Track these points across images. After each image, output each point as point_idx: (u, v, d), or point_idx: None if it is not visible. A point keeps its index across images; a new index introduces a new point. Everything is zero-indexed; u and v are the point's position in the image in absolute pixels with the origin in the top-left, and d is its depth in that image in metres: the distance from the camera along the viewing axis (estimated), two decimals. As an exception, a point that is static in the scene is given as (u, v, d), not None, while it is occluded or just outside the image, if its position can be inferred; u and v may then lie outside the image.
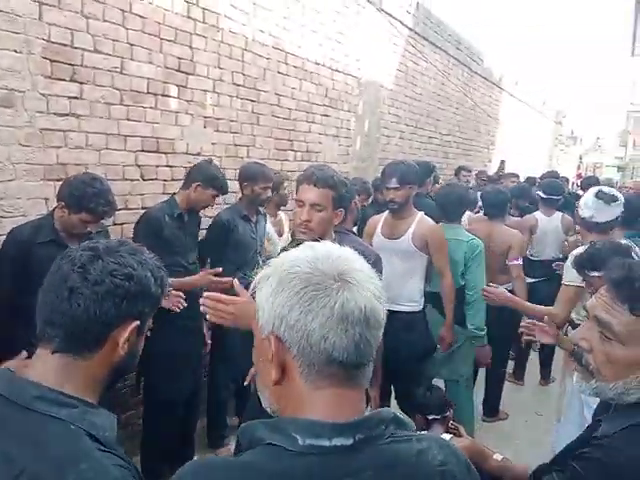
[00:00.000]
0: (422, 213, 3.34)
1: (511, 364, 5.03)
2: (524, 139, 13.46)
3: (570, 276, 2.77)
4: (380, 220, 3.42)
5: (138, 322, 1.04)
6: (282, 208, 4.08)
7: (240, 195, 3.60)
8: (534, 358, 5.28)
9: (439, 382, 3.75)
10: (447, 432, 2.65)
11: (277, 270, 0.85)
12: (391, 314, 2.94)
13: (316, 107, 5.02)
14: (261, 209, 3.63)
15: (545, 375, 5.17)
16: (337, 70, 5.28)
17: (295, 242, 2.35)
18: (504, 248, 4.04)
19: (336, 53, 5.22)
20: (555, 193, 5.06)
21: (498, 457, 2.56)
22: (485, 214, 4.31)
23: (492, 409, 4.35)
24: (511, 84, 11.69)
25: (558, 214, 5.03)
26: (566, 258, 5.13)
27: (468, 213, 4.95)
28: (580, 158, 35.50)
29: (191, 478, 0.81)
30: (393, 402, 3.59)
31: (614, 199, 2.89)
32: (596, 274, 2.29)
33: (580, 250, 2.66)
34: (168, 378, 2.95)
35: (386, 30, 6.17)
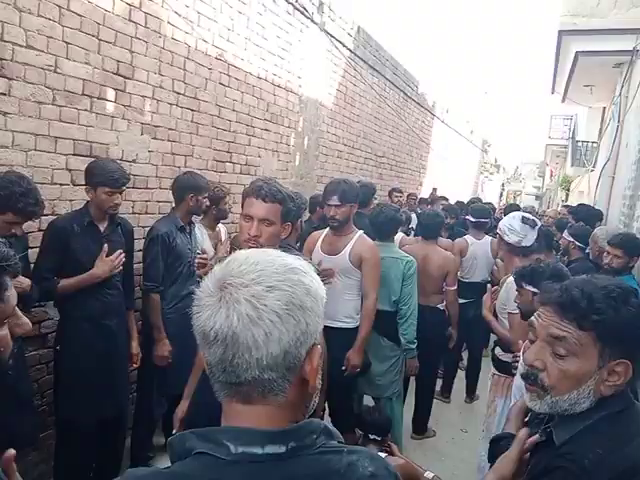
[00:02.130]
0: (362, 232, 3.38)
1: (439, 382, 5.15)
2: (453, 165, 14.05)
3: (511, 305, 2.88)
4: (320, 236, 3.43)
5: None
6: (222, 221, 4.01)
7: (174, 205, 3.49)
8: (460, 376, 5.44)
9: (368, 399, 3.80)
10: (381, 450, 2.68)
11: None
12: (329, 330, 2.91)
13: (257, 121, 5.00)
14: (194, 219, 3.55)
15: (470, 393, 5.33)
16: (279, 86, 5.29)
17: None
18: (441, 272, 4.17)
19: (278, 69, 5.23)
20: (483, 217, 5.29)
21: (429, 475, 2.61)
22: (421, 235, 4.43)
23: (421, 426, 4.43)
24: (442, 111, 12.20)
25: (487, 238, 5.25)
26: (492, 281, 5.40)
27: (400, 233, 5.07)
28: (502, 186, 37.54)
29: None
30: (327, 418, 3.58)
31: (536, 223, 3.06)
32: (530, 288, 2.39)
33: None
34: (80, 394, 2.78)
35: (327, 50, 6.28)
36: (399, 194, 6.71)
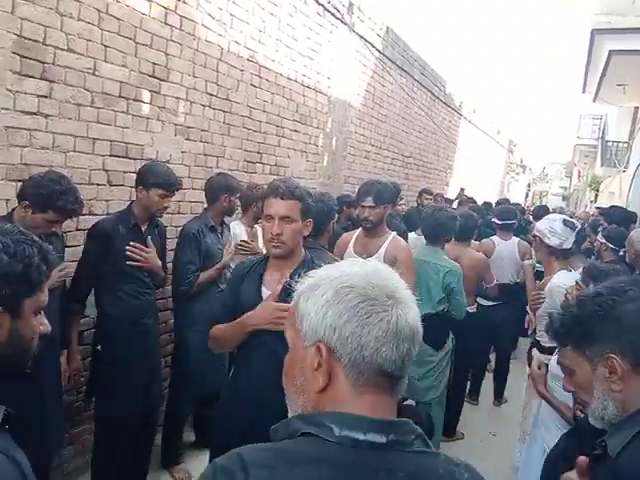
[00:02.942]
0: (395, 233, 3.36)
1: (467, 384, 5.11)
2: (479, 165, 13.90)
3: (555, 307, 2.82)
4: (352, 237, 3.43)
5: (0, 307, 1.00)
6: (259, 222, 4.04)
7: (206, 205, 3.53)
8: (488, 379, 5.39)
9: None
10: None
11: (330, 282, 0.87)
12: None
13: (286, 122, 5.02)
14: (226, 220, 3.58)
15: (498, 396, 5.28)
16: (308, 86, 5.30)
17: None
18: (472, 273, 4.15)
19: (308, 70, 5.25)
20: (509, 218, 5.24)
21: None
22: (454, 237, 4.40)
23: (450, 429, 4.40)
24: (469, 111, 12.08)
25: (514, 239, 5.19)
26: (521, 282, 5.33)
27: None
28: (528, 186, 37.01)
29: (236, 456, 0.82)
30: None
31: (576, 226, 3.01)
32: None
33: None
34: (120, 393, 2.82)
35: (356, 51, 6.27)
36: (429, 196, 6.67)
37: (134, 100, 3.33)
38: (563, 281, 2.80)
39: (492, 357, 5.60)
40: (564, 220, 3.01)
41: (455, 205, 8.54)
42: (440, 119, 10.00)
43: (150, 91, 3.44)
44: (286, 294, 2.10)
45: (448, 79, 10.08)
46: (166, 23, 3.48)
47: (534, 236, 3.13)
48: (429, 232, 3.60)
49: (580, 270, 3.11)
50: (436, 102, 9.58)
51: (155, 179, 2.85)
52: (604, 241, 4.29)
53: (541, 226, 3.05)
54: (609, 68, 7.64)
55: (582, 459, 1.25)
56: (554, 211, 8.56)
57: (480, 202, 8.84)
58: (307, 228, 2.15)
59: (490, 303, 4.82)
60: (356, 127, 6.59)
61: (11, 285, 1.00)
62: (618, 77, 8.12)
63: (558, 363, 1.34)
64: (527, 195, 36.12)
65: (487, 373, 5.43)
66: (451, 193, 10.50)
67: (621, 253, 4.18)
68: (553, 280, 2.88)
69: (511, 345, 5.47)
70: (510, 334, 5.28)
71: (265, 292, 2.10)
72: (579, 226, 3.08)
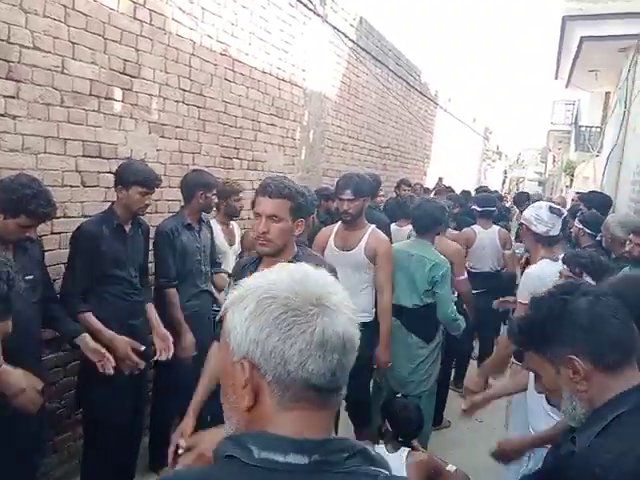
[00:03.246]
0: (374, 226, 3.36)
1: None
2: (456, 153, 13.98)
3: (521, 294, 2.84)
4: (332, 231, 3.41)
5: None
6: (235, 219, 3.99)
7: (183, 203, 3.48)
8: (473, 366, 5.43)
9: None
10: (403, 445, 2.67)
11: (253, 293, 0.82)
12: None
13: (262, 116, 4.96)
14: (204, 217, 3.53)
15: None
16: (283, 79, 5.25)
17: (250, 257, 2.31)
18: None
19: (282, 62, 5.19)
20: (489, 205, 5.26)
21: (452, 468, 2.61)
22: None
23: (438, 417, 4.42)
24: (445, 100, 12.12)
25: (495, 227, 5.22)
26: (502, 270, 5.37)
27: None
28: (505, 173, 37.40)
29: None
30: (344, 413, 3.58)
31: (562, 213, 3.02)
32: (590, 280, 2.35)
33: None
34: (108, 396, 2.76)
35: (330, 42, 6.22)
36: (407, 187, 6.67)
37: (105, 98, 3.25)
38: (544, 270, 2.80)
39: (476, 344, 5.65)
40: (550, 207, 3.01)
41: (433, 195, 8.59)
42: (416, 109, 10.01)
43: (121, 88, 3.36)
44: None
45: (423, 69, 10.10)
46: (135, 18, 3.40)
47: (520, 224, 3.13)
48: (418, 224, 3.57)
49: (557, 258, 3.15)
50: (412, 92, 9.59)
51: (134, 177, 2.80)
52: (581, 227, 4.34)
53: (527, 214, 3.04)
54: (581, 54, 7.72)
55: None
56: (533, 198, 8.65)
57: (458, 191, 8.90)
58: (299, 227, 2.13)
59: (473, 291, 4.84)
60: (333, 119, 6.55)
61: None
62: (590, 63, 8.22)
63: (525, 368, 1.34)
64: (504, 181, 36.51)
65: (471, 360, 5.48)
66: (429, 182, 10.55)
67: (598, 238, 4.23)
68: (535, 269, 2.88)
69: (494, 332, 5.52)
70: (493, 321, 5.32)
71: None
72: (565, 213, 3.09)
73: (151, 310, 3.09)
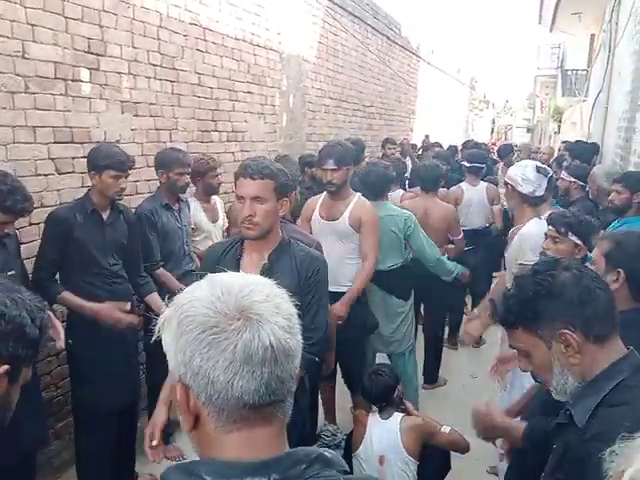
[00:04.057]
0: (359, 194, 3.32)
1: (445, 330, 5.21)
2: (442, 106, 13.78)
3: (525, 256, 2.81)
4: (317, 202, 3.37)
5: (7, 366, 0.97)
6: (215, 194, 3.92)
7: (159, 184, 3.42)
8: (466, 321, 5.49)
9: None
10: (397, 410, 2.71)
11: (176, 313, 0.78)
12: (333, 295, 2.90)
13: (239, 84, 4.84)
14: (183, 197, 3.47)
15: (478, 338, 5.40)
16: (258, 45, 5.09)
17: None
18: (442, 224, 4.15)
19: (256, 27, 5.02)
20: (479, 161, 5.22)
21: (446, 429, 2.66)
22: (421, 188, 4.37)
23: (432, 376, 4.50)
24: (428, 52, 11.86)
25: (482, 184, 5.19)
26: (491, 226, 5.37)
27: (399, 190, 5.01)
28: (493, 122, 37.04)
29: None
30: (340, 380, 3.63)
31: (548, 172, 2.99)
32: (576, 239, 2.35)
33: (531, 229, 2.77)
34: (95, 384, 2.77)
35: (304, 1, 6.01)
36: (393, 145, 6.58)
37: (72, 80, 3.14)
38: (535, 230, 2.79)
39: (468, 300, 5.70)
40: (536, 167, 2.97)
41: (420, 152, 8.51)
42: (398, 64, 9.80)
43: (88, 68, 3.24)
44: (264, 275, 2.07)
45: (403, 22, 9.82)
46: (96, -7, 3.25)
47: (506, 184, 3.10)
48: (372, 189, 3.56)
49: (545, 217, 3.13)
50: (393, 47, 9.36)
51: (104, 161, 2.72)
52: (572, 179, 4.31)
53: (513, 174, 3.00)
54: (563, -4, 7.54)
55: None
56: (520, 147, 8.57)
57: (446, 145, 8.81)
58: (283, 207, 2.09)
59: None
60: (312, 82, 6.40)
61: (26, 348, 0.99)
62: (573, 6, 8.03)
63: (510, 347, 1.34)
64: (492, 130, 36.20)
65: (465, 316, 5.53)
66: (416, 138, 10.43)
67: (587, 189, 4.22)
68: (524, 229, 2.87)
69: (486, 288, 5.55)
70: (483, 277, 5.35)
71: None
72: (551, 172, 3.06)
73: (154, 300, 3.03)
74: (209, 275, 0.83)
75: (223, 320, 0.75)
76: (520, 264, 2.91)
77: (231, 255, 2.11)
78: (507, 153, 7.58)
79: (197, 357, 0.74)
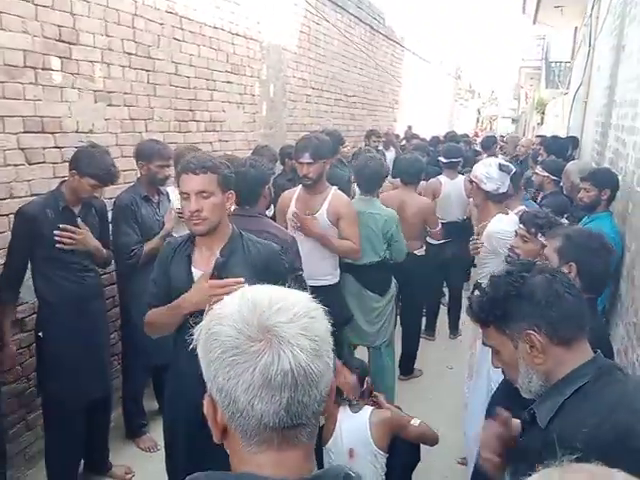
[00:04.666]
0: (336, 188, 3.32)
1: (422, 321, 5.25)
2: (426, 96, 13.78)
3: (493, 253, 2.86)
4: (293, 196, 3.36)
5: None
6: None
7: (139, 175, 3.38)
8: (444, 313, 5.56)
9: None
10: (367, 404, 2.74)
11: (203, 329, 0.79)
12: (310, 289, 2.89)
13: (217, 74, 4.79)
14: (163, 189, 3.44)
15: (454, 329, 5.47)
16: (237, 34, 5.04)
17: None
18: (418, 218, 4.16)
19: (235, 16, 4.96)
20: (455, 156, 5.24)
21: (416, 422, 2.69)
22: (400, 180, 4.38)
23: (408, 367, 4.55)
24: (412, 42, 11.83)
25: (460, 177, 5.21)
26: (469, 219, 5.41)
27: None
28: (478, 112, 37.15)
29: None
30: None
31: (511, 169, 3.03)
32: (543, 240, 2.37)
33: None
34: (65, 377, 2.76)
35: (286, -11, 5.95)
36: (377, 138, 6.56)
37: (42, 69, 3.08)
38: (501, 226, 2.84)
39: (446, 291, 5.75)
40: (500, 165, 3.02)
41: (403, 143, 8.52)
42: (382, 53, 9.76)
43: (59, 57, 3.18)
44: (219, 271, 2.06)
45: (387, 11, 9.77)
46: (67, -21, 3.18)
47: (471, 182, 3.13)
48: (366, 182, 3.57)
49: (516, 212, 3.17)
50: (376, 36, 9.32)
51: (91, 170, 2.67)
52: (546, 174, 4.35)
53: (477, 172, 3.04)
54: (546, -11, 7.55)
55: (501, 411, 1.36)
56: (506, 138, 8.63)
57: (429, 136, 8.83)
58: (229, 200, 2.08)
59: (439, 242, 4.89)
60: (293, 71, 6.36)
61: None
62: (555, -2, 8.05)
63: (483, 344, 1.36)
64: (478, 120, 36.32)
65: (442, 307, 5.59)
66: (400, 128, 10.43)
67: (561, 184, 4.26)
68: (491, 225, 2.91)
69: (463, 279, 5.61)
70: (461, 269, 5.40)
71: (196, 273, 2.05)
72: (513, 169, 3.09)
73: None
74: (245, 288, 0.83)
75: (244, 341, 0.74)
76: (488, 259, 2.95)
77: (182, 252, 2.10)
78: (490, 145, 7.62)
79: (220, 375, 0.75)
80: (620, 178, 3.35)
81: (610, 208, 3.29)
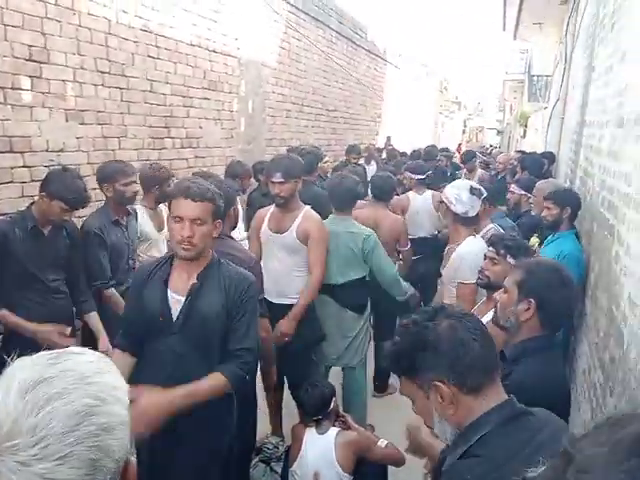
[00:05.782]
0: (308, 207, 3.32)
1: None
2: (410, 109, 13.90)
3: (464, 275, 2.87)
4: (267, 214, 3.37)
5: None
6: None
7: (105, 199, 3.35)
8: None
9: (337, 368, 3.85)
10: (334, 425, 2.73)
11: None
12: (281, 307, 2.88)
13: (194, 90, 4.80)
14: (130, 208, 3.40)
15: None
16: (214, 51, 5.06)
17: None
18: (390, 236, 4.17)
19: (212, 33, 5.00)
20: (421, 172, 5.28)
21: (382, 444, 2.69)
22: (373, 196, 4.40)
23: (382, 384, 4.54)
24: (395, 56, 11.94)
25: (428, 192, 5.24)
26: (440, 233, 5.45)
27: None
28: (464, 123, 37.49)
29: None
30: (286, 392, 3.64)
31: (482, 193, 3.05)
32: (513, 262, 2.38)
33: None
34: None
35: (265, 6, 6.00)
36: (357, 156, 6.57)
37: (12, 89, 3.08)
38: (473, 249, 2.85)
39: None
40: (471, 188, 3.03)
41: (384, 155, 8.57)
42: (364, 68, 9.85)
43: (29, 76, 3.19)
44: (194, 297, 2.07)
45: (369, 26, 9.88)
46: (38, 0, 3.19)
47: (441, 202, 3.15)
48: (340, 201, 3.56)
49: (486, 231, 3.19)
50: (358, 51, 9.40)
51: (61, 193, 2.63)
52: (523, 192, 4.40)
53: (448, 193, 3.06)
54: (524, 6, 7.66)
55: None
56: (483, 153, 8.71)
57: (409, 150, 8.88)
58: (217, 228, 2.10)
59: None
60: (273, 87, 6.39)
61: None
62: (534, 15, 8.16)
63: (401, 394, 1.35)
64: (464, 132, 36.65)
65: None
66: (381, 142, 10.50)
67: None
68: (461, 248, 2.92)
69: (434, 295, 5.63)
70: (432, 285, 5.42)
71: (172, 296, 2.05)
72: (485, 194, 3.12)
73: (91, 320, 2.96)
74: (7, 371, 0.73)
75: None
76: (460, 283, 2.96)
77: (159, 275, 2.10)
78: (470, 158, 7.69)
79: None
80: (588, 198, 3.40)
81: (578, 227, 3.33)
